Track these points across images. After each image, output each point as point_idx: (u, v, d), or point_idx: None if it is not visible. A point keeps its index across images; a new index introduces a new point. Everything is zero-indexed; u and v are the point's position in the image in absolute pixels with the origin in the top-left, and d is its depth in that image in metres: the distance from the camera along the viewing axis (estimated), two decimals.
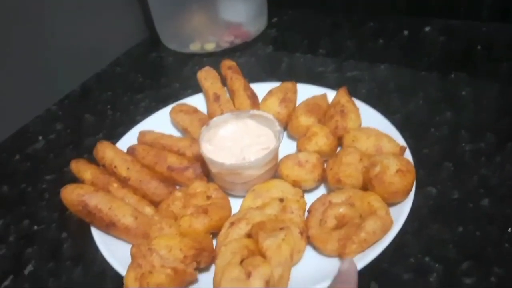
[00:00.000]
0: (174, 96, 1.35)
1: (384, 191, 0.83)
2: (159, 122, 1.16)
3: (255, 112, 1.00)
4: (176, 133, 1.14)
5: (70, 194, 0.85)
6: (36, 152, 1.22)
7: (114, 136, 1.22)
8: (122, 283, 0.80)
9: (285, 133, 1.08)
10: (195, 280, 0.77)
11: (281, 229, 0.77)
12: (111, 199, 0.86)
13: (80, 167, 0.94)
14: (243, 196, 0.94)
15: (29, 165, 1.18)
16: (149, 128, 1.13)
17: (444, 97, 1.22)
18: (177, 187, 0.98)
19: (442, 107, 1.19)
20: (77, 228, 0.94)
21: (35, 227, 1.00)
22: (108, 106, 1.35)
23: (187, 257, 0.75)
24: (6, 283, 0.89)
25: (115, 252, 0.84)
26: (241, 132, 0.99)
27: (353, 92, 1.13)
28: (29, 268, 0.91)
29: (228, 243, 0.77)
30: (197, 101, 1.20)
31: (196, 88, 1.27)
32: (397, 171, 0.82)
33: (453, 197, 0.95)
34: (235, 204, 0.93)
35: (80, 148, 1.21)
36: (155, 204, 0.93)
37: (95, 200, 0.84)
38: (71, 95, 1.42)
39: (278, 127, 0.95)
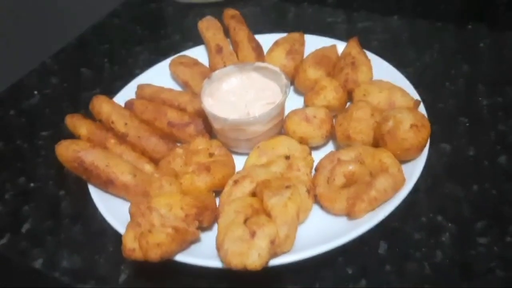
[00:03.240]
0: (174, 49, 1.28)
1: (397, 148, 0.78)
2: (159, 75, 1.10)
3: (260, 64, 0.94)
4: (176, 87, 1.09)
5: (66, 150, 0.81)
6: (31, 108, 1.17)
7: (112, 91, 1.16)
8: (120, 241, 0.77)
9: (291, 87, 1.02)
10: (197, 239, 0.74)
11: (287, 187, 0.73)
12: (108, 155, 0.81)
13: (75, 122, 0.90)
14: (248, 154, 0.90)
15: (25, 120, 1.13)
16: (148, 81, 1.08)
17: (460, 49, 1.15)
18: (178, 144, 0.93)
19: (458, 60, 1.12)
20: (75, 186, 0.90)
21: (32, 184, 0.96)
22: (106, 60, 1.29)
23: (189, 215, 0.71)
24: (3, 241, 0.86)
25: (113, 210, 0.81)
26: (245, 85, 0.93)
27: (365, 44, 1.06)
28: (26, 226, 0.88)
29: (231, 201, 0.73)
30: (198, 53, 1.14)
31: (197, 40, 1.20)
32: (411, 126, 0.77)
33: (469, 154, 0.90)
34: (239, 162, 0.88)
35: (77, 103, 1.16)
36: (155, 161, 0.89)
37: (92, 157, 0.80)
38: (67, 48, 1.36)
39: (285, 81, 0.89)
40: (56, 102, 1.17)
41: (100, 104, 0.93)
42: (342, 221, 0.76)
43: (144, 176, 0.81)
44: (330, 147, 0.92)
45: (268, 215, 0.70)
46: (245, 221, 0.70)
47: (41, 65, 1.30)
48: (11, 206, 0.92)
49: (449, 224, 0.78)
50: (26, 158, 1.03)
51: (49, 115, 1.13)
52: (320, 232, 0.74)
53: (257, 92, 0.91)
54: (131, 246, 0.67)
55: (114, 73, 1.25)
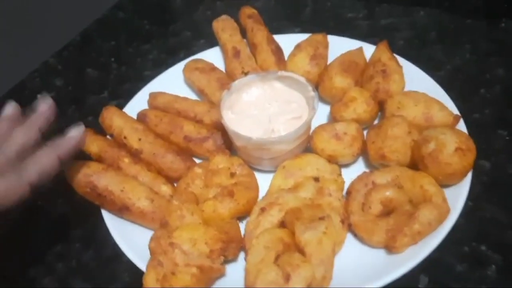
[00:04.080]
0: (185, 47, 1.20)
1: (439, 173, 0.71)
2: (171, 81, 1.02)
3: (284, 73, 0.86)
4: (191, 94, 1.01)
5: (76, 174, 0.75)
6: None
7: (120, 95, 1.09)
8: (138, 270, 0.71)
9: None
10: (223, 275, 0.68)
11: (320, 219, 0.66)
12: (123, 179, 0.75)
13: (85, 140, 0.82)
14: (271, 171, 0.83)
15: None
16: (159, 87, 1.00)
17: (494, 49, 1.07)
18: (195, 160, 0.87)
19: (492, 63, 1.04)
20: (86, 204, 0.83)
21: (39, 203, 0.90)
22: (112, 59, 1.21)
23: (214, 251, 0.65)
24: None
25: (129, 238, 0.75)
26: (268, 97, 0.86)
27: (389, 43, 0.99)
28: (34, 250, 0.82)
29: (260, 235, 0.67)
30: (213, 55, 1.06)
31: (209, 37, 1.12)
32: (456, 149, 0.70)
33: (510, 171, 0.83)
34: (262, 181, 0.82)
35: (83, 108, 1.09)
36: (171, 180, 0.83)
37: (105, 181, 0.74)
38: (70, 46, 1.27)
39: (312, 93, 0.82)
40: (61, 107, 1.08)
41: (111, 117, 0.86)
42: (380, 254, 0.70)
43: (162, 201, 0.75)
44: (360, 164, 0.85)
45: (301, 251, 0.64)
46: (277, 258, 0.64)
47: (43, 65, 1.22)
48: (17, 227, 0.86)
49: (494, 255, 0.72)
50: None
51: (53, 122, 1.06)
52: (357, 267, 0.68)
53: (281, 104, 0.84)
54: None
55: (122, 75, 1.17)
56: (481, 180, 0.81)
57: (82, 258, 0.80)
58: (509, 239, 0.74)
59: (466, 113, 0.88)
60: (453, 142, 0.70)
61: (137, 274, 0.71)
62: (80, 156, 0.85)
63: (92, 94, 1.12)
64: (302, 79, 0.84)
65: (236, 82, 0.86)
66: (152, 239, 0.67)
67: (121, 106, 1.04)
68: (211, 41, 1.12)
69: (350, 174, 0.81)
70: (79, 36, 1.30)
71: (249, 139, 0.77)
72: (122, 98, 1.08)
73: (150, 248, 0.66)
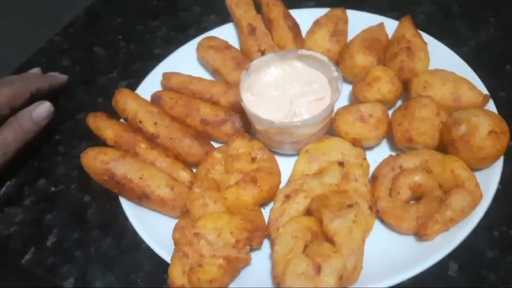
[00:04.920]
0: (195, 23, 1.16)
1: (471, 157, 0.68)
2: (184, 59, 0.99)
3: (305, 52, 0.82)
4: (205, 74, 0.97)
5: (93, 161, 0.72)
6: (42, 96, 1.06)
7: (130, 74, 1.06)
8: (159, 258, 0.70)
9: None
10: (248, 264, 0.66)
11: (349, 206, 0.64)
12: (141, 166, 0.72)
13: (99, 123, 0.80)
14: (293, 155, 0.81)
15: None
16: (172, 67, 0.97)
17: None
18: (213, 144, 0.84)
19: None
20: (101, 188, 0.81)
21: (53, 188, 0.87)
22: (120, 36, 1.16)
23: (240, 241, 0.63)
24: (27, 256, 0.79)
25: (149, 225, 0.73)
26: (289, 77, 0.82)
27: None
28: (52, 238, 0.80)
29: (287, 223, 0.65)
30: (227, 32, 1.01)
31: (220, 12, 1.07)
32: (489, 132, 0.67)
33: None
34: (284, 165, 0.79)
35: (93, 89, 1.05)
36: (189, 165, 0.80)
37: (123, 168, 0.71)
38: (76, 23, 1.22)
39: (335, 73, 0.78)
40: (70, 89, 1.06)
41: (125, 101, 0.83)
42: (410, 241, 0.68)
43: (182, 188, 0.72)
44: (384, 147, 0.82)
45: (330, 240, 0.62)
46: (305, 248, 0.62)
47: (49, 43, 1.18)
48: (32, 214, 0.84)
49: None
50: (43, 156, 0.93)
51: (63, 104, 1.03)
52: (386, 256, 0.66)
53: (303, 85, 0.80)
54: (180, 281, 0.60)
55: (131, 53, 1.13)
56: (510, 162, 0.78)
57: (101, 246, 0.78)
58: None
59: (492, 91, 0.84)
60: (486, 125, 0.67)
61: (158, 262, 0.70)
62: (95, 141, 0.83)
63: (101, 74, 1.08)
64: (325, 58, 0.80)
65: (255, 62, 0.82)
66: (175, 229, 0.64)
67: (132, 86, 1.00)
68: (222, 16, 1.08)
69: (375, 157, 0.78)
70: (84, 13, 1.25)
71: (272, 123, 0.74)
72: (133, 78, 1.04)
73: (174, 239, 0.64)
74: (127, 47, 1.14)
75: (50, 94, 0.97)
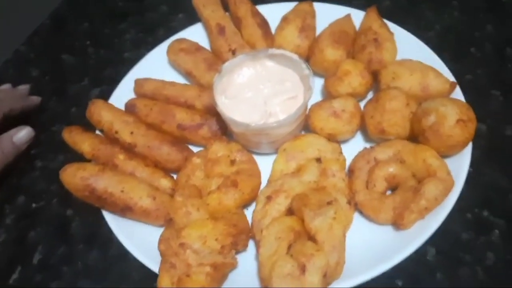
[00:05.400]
0: (163, 23, 1.15)
1: (441, 145, 0.71)
2: (155, 63, 0.98)
3: (275, 51, 0.83)
4: (177, 76, 0.97)
5: (73, 178, 0.72)
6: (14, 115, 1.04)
7: (102, 81, 1.05)
8: (146, 267, 0.71)
9: None
10: (235, 267, 0.67)
11: (328, 203, 0.66)
12: (121, 178, 0.73)
13: (75, 137, 0.80)
14: (270, 153, 0.82)
15: (9, 124, 1.01)
16: (144, 72, 0.96)
17: (482, 5, 1.05)
18: (190, 147, 0.84)
19: (481, 19, 1.03)
20: (83, 202, 0.81)
21: (34, 205, 0.87)
22: (88, 42, 1.15)
23: (225, 246, 0.65)
24: (14, 275, 0.79)
25: (134, 237, 0.74)
26: (261, 77, 0.83)
27: (372, 4, 0.95)
28: (37, 255, 0.81)
29: (269, 225, 0.67)
30: (196, 33, 1.01)
31: (188, 11, 1.06)
32: (457, 121, 0.70)
33: (507, 133, 0.84)
34: (263, 164, 0.80)
35: (66, 99, 1.04)
36: (169, 171, 0.81)
37: (103, 183, 0.72)
38: (41, 30, 1.20)
39: (306, 71, 0.80)
40: (42, 100, 1.04)
41: (99, 112, 0.83)
42: (388, 231, 0.71)
43: (164, 197, 0.73)
44: (358, 138, 0.84)
45: (313, 238, 0.64)
46: (289, 248, 0.64)
47: (15, 54, 1.15)
48: (15, 233, 0.84)
49: (497, 220, 0.74)
50: (22, 172, 0.92)
51: (37, 116, 1.01)
52: (366, 247, 0.68)
53: (275, 84, 0.81)
54: None
55: (100, 58, 1.11)
56: (479, 144, 0.81)
57: (87, 260, 0.78)
58: (510, 202, 0.75)
59: (458, 75, 0.87)
60: (454, 114, 0.70)
61: (147, 271, 0.71)
62: (72, 153, 0.82)
63: (72, 82, 1.07)
64: (295, 57, 0.81)
65: (227, 64, 0.82)
66: (161, 240, 0.66)
67: (104, 93, 1.00)
68: (190, 15, 1.07)
69: (350, 149, 0.80)
70: (48, 19, 1.22)
71: (248, 125, 0.75)
72: (105, 84, 1.04)
73: (160, 250, 0.65)
74: (96, 53, 1.13)
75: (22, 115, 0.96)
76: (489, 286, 0.68)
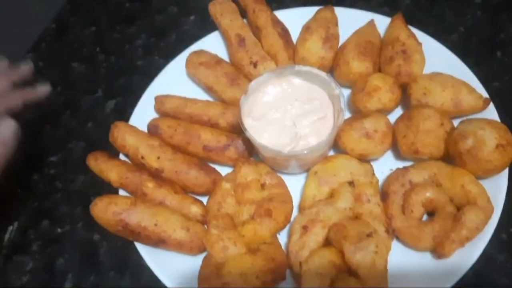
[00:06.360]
0: (174, 27, 1.11)
1: (479, 169, 0.70)
2: (174, 78, 0.94)
3: (302, 68, 0.80)
4: (197, 89, 0.94)
5: (104, 213, 0.71)
6: (26, 124, 1.01)
7: (116, 92, 1.01)
8: None
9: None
10: None
11: (368, 236, 0.65)
12: (154, 211, 0.71)
13: (101, 166, 0.78)
14: (298, 173, 0.81)
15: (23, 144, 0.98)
16: (161, 86, 0.93)
17: (506, 4, 1.02)
18: (217, 169, 0.83)
19: (505, 19, 1.00)
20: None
21: (59, 230, 0.86)
22: (98, 49, 1.11)
23: (266, 282, 0.64)
24: None
25: (167, 265, 0.73)
26: (287, 95, 0.81)
27: (393, 4, 0.92)
28: (68, 284, 0.80)
29: (309, 259, 0.66)
30: (213, 43, 0.97)
31: (199, 12, 1.03)
32: (497, 146, 0.68)
33: None
34: (292, 184, 0.79)
35: (79, 113, 1.01)
36: (198, 194, 0.80)
37: (136, 217, 0.70)
38: (47, 36, 1.15)
39: (337, 90, 0.77)
40: (54, 114, 1.01)
41: (123, 136, 0.81)
42: (427, 258, 0.70)
43: (198, 227, 0.72)
44: (388, 156, 0.83)
45: (354, 273, 0.63)
46: (331, 283, 0.63)
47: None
48: (43, 260, 0.83)
49: None
50: (42, 194, 0.90)
51: (51, 133, 0.98)
52: (407, 277, 0.68)
53: (303, 103, 0.79)
54: None
55: (112, 67, 1.08)
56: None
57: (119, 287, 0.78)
58: None
59: (485, 82, 0.85)
60: (493, 138, 0.68)
61: None
62: (93, 175, 0.80)
63: (85, 94, 1.04)
64: (323, 75, 0.78)
65: (252, 83, 0.80)
66: (201, 280, 0.65)
67: (120, 106, 0.98)
68: (202, 17, 1.03)
69: (380, 166, 0.79)
70: (53, 23, 1.17)
71: (279, 152, 0.73)
72: (119, 95, 1.01)
73: None
74: (107, 60, 1.09)
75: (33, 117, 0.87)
76: None
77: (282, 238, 0.76)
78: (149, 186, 0.76)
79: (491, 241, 0.73)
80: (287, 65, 0.86)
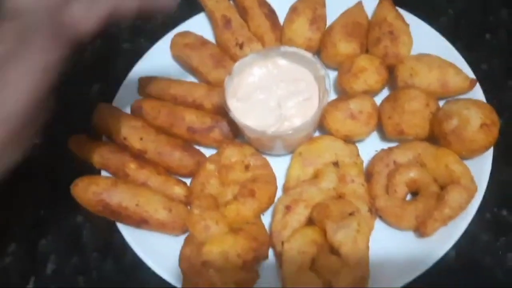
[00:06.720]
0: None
1: (463, 149, 0.70)
2: (159, 60, 0.93)
3: (288, 49, 0.79)
4: (183, 72, 0.93)
5: (85, 193, 0.70)
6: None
7: (100, 77, 1.00)
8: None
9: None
10: (257, 279, 0.67)
11: (350, 214, 0.65)
12: (135, 191, 0.71)
13: (83, 148, 0.76)
14: (283, 154, 0.80)
15: None
16: (146, 69, 0.91)
17: None
18: (201, 150, 0.82)
19: (495, 1, 0.99)
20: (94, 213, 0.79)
21: (42, 212, 0.85)
22: None
23: (247, 261, 0.64)
24: (29, 286, 0.77)
25: (150, 247, 0.73)
26: (273, 76, 0.80)
27: None
28: (51, 265, 0.79)
29: (291, 238, 0.65)
30: (198, 24, 0.95)
31: None
32: (481, 125, 0.68)
33: None
34: (276, 166, 0.78)
35: (63, 97, 0.98)
36: (182, 176, 0.79)
37: (117, 197, 0.69)
38: None
39: (322, 71, 0.76)
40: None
41: (105, 118, 0.79)
42: (409, 237, 0.70)
43: (180, 207, 0.72)
44: (374, 137, 0.82)
45: (336, 252, 0.63)
46: (312, 262, 0.63)
47: None
48: (27, 242, 0.82)
49: None
50: (25, 177, 0.89)
51: None
52: (389, 255, 0.68)
53: (289, 84, 0.78)
54: None
55: (98, 50, 1.06)
56: (496, 140, 0.80)
57: (102, 269, 0.77)
58: None
59: (474, 65, 0.84)
60: (478, 118, 0.68)
61: (163, 280, 0.70)
62: (82, 166, 0.79)
63: (69, 76, 1.02)
64: (309, 56, 0.78)
65: (237, 64, 0.79)
66: (182, 259, 0.64)
67: (105, 90, 0.96)
68: None
69: (365, 148, 0.79)
70: None
71: (263, 132, 0.72)
72: (104, 80, 0.99)
73: (181, 269, 0.64)
74: (91, 43, 1.07)
75: None
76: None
77: (266, 219, 0.75)
78: (131, 167, 0.75)
79: (475, 221, 0.72)
80: (273, 46, 0.84)
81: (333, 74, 0.87)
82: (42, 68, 0.51)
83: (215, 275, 0.61)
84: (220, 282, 0.61)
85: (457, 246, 0.71)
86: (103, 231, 0.80)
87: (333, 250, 0.63)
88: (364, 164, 0.77)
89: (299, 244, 0.64)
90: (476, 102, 0.71)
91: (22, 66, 0.50)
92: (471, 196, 0.67)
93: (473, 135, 0.68)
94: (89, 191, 0.69)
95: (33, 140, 0.57)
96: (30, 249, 0.81)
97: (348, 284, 0.59)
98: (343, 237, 0.62)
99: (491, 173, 0.75)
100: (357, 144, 0.79)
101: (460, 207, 0.66)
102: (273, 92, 0.77)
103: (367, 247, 0.64)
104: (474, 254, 0.71)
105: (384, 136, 0.80)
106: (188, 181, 0.79)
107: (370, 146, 0.79)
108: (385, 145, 0.78)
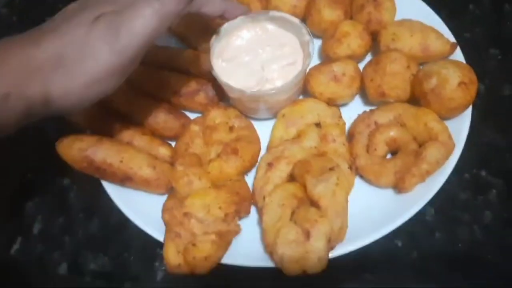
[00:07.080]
0: None
1: (442, 108, 0.71)
2: None
3: (276, 14, 0.80)
4: (169, 41, 0.94)
5: (70, 149, 0.70)
6: None
7: None
8: (148, 235, 0.71)
9: None
10: (239, 233, 0.68)
11: (330, 169, 0.66)
12: (120, 148, 0.71)
13: None
14: (268, 119, 0.81)
15: None
16: None
17: None
18: (187, 113, 0.83)
19: None
20: (79, 172, 0.80)
21: (29, 175, 0.86)
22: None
23: (229, 214, 0.65)
24: (15, 246, 0.78)
25: (135, 205, 0.73)
26: (260, 40, 0.81)
27: None
28: (37, 226, 0.80)
29: (272, 192, 0.67)
30: None
31: None
32: (459, 84, 0.69)
33: (505, 93, 0.84)
34: (261, 130, 0.80)
35: None
36: (167, 138, 0.80)
37: (102, 153, 0.70)
38: None
39: (307, 37, 0.77)
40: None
41: None
42: (389, 194, 0.71)
43: (164, 165, 0.73)
44: (357, 101, 0.83)
45: (316, 204, 0.64)
46: (292, 214, 0.64)
47: None
48: (13, 204, 0.83)
49: (495, 179, 0.75)
50: (13, 140, 0.90)
51: None
52: (369, 210, 0.69)
53: (274, 49, 0.79)
54: (175, 261, 0.62)
55: None
56: (477, 104, 0.81)
57: (88, 229, 0.78)
58: (508, 162, 0.76)
59: (457, 33, 0.86)
60: (456, 77, 0.69)
61: (149, 238, 0.71)
62: (69, 128, 0.80)
63: None
64: (296, 21, 0.79)
65: (225, 25, 0.79)
66: (164, 210, 0.65)
67: None
68: None
69: (348, 112, 0.80)
70: None
71: (243, 92, 0.73)
72: None
73: (164, 220, 0.66)
74: None
75: None
76: (486, 243, 0.70)
77: (250, 180, 0.76)
78: (117, 127, 0.76)
79: (454, 181, 0.74)
80: (262, 10, 0.85)
81: (318, 42, 0.88)
82: (159, 16, 0.55)
83: (196, 226, 0.62)
84: (201, 232, 0.62)
85: (436, 204, 0.73)
86: (89, 193, 0.81)
87: (313, 203, 0.65)
88: (347, 127, 0.78)
89: (279, 197, 0.65)
90: (454, 62, 0.72)
91: (149, 8, 0.54)
92: (449, 152, 0.68)
93: (452, 93, 0.69)
94: (74, 148, 0.70)
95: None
96: (17, 210, 0.82)
97: (327, 233, 0.60)
98: (322, 190, 0.64)
99: (471, 136, 0.76)
100: (341, 109, 0.80)
101: (438, 162, 0.67)
102: (259, 56, 0.78)
103: (346, 201, 0.65)
104: (453, 211, 0.73)
105: (367, 101, 0.81)
106: (173, 144, 0.80)
107: (354, 111, 0.80)
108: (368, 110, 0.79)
